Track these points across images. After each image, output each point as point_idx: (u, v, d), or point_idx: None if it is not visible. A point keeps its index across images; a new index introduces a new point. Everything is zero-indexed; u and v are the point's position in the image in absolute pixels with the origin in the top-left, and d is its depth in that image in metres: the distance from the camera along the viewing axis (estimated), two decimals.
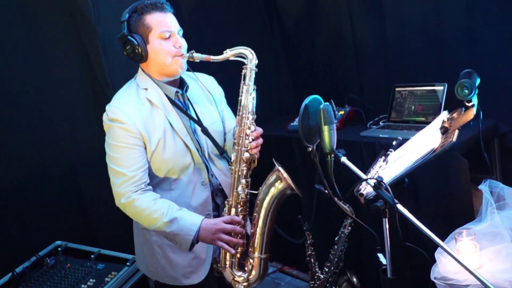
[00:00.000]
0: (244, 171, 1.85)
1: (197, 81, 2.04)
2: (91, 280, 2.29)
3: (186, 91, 1.96)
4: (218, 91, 2.10)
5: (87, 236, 2.87)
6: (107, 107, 1.85)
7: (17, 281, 2.29)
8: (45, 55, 2.72)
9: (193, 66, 1.96)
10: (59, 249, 2.53)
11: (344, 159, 1.62)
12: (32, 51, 2.68)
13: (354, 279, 2.19)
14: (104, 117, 1.86)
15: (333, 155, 1.60)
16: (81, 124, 2.85)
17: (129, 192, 1.80)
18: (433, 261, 1.87)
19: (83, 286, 2.26)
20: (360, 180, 1.63)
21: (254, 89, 1.86)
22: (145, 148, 1.84)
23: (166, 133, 1.86)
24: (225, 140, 2.06)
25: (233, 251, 1.83)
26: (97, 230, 2.90)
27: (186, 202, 1.91)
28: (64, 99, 2.80)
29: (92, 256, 2.46)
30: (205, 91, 2.05)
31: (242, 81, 1.86)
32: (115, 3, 2.55)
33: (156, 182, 1.90)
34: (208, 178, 1.95)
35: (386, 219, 1.58)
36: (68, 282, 2.29)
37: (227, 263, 1.88)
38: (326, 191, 1.71)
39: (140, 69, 1.93)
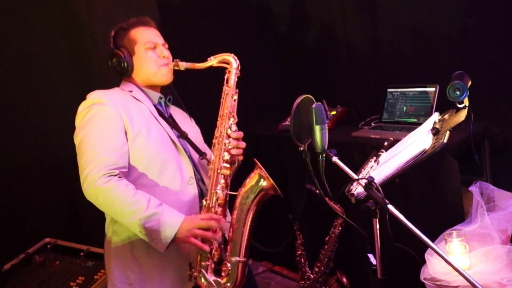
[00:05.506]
0: (224, 171, 1.80)
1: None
2: (80, 278, 2.27)
3: (169, 101, 2.01)
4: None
5: (77, 233, 2.84)
6: (87, 97, 1.81)
7: (5, 279, 2.27)
8: (35, 53, 2.70)
9: (178, 74, 1.97)
10: (48, 246, 2.51)
11: (335, 159, 1.62)
12: (22, 49, 2.66)
13: (344, 279, 2.20)
14: (80, 107, 1.79)
15: (324, 155, 1.60)
16: (71, 121, 2.81)
17: (103, 176, 1.63)
18: (423, 261, 1.88)
19: (72, 284, 2.24)
20: (351, 180, 1.63)
21: (236, 93, 1.87)
22: (126, 133, 1.74)
23: (151, 123, 1.82)
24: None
25: (207, 248, 1.68)
26: (87, 227, 2.87)
27: (172, 200, 1.75)
28: (54, 96, 2.77)
29: (81, 253, 2.44)
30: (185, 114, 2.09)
31: (224, 84, 1.88)
32: (108, 3, 2.55)
33: (136, 177, 1.75)
34: (195, 177, 1.85)
35: (377, 219, 1.58)
36: (57, 280, 2.27)
37: (202, 265, 1.73)
38: (317, 191, 1.70)
39: (123, 80, 1.95)
